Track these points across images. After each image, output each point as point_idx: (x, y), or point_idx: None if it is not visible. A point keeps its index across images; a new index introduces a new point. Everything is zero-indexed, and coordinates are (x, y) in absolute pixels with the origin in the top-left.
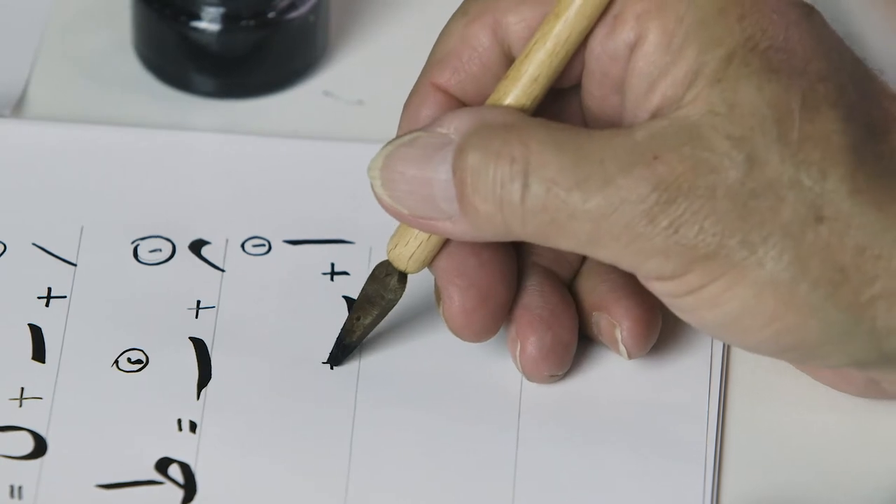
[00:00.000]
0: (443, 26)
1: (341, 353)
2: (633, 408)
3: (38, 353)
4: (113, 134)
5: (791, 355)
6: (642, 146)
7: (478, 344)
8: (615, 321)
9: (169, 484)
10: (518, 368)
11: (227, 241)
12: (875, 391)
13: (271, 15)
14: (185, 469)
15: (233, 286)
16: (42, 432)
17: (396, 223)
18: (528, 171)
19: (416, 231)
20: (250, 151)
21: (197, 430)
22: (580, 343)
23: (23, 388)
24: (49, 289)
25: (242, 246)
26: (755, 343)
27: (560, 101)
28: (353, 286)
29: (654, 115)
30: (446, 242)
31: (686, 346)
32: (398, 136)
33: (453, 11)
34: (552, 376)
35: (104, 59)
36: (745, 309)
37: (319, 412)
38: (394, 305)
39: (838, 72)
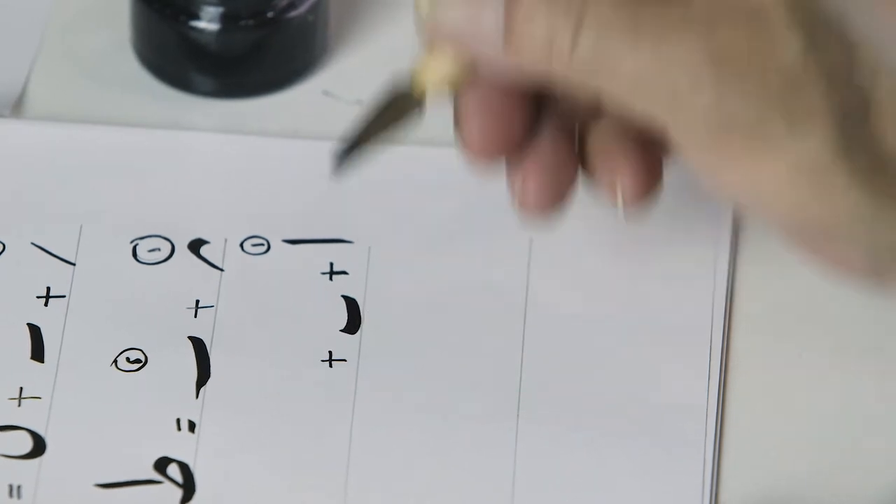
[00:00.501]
0: None
1: (342, 158)
2: (633, 407)
3: (37, 353)
4: (112, 134)
5: (812, 234)
6: (700, 13)
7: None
8: (616, 174)
9: (168, 483)
10: (515, 203)
11: (226, 240)
12: (875, 278)
13: (270, 15)
14: (184, 468)
15: (232, 285)
16: (41, 432)
17: (396, 226)
18: (582, 19)
19: (446, 58)
20: (249, 151)
21: (196, 429)
22: (580, 343)
23: (21, 388)
24: (48, 288)
25: (241, 245)
26: (781, 217)
27: None
28: (352, 286)
29: None
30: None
31: (686, 346)
32: None
33: None
34: (548, 212)
35: (103, 58)
36: (778, 186)
37: (318, 411)
38: (410, 123)
39: None
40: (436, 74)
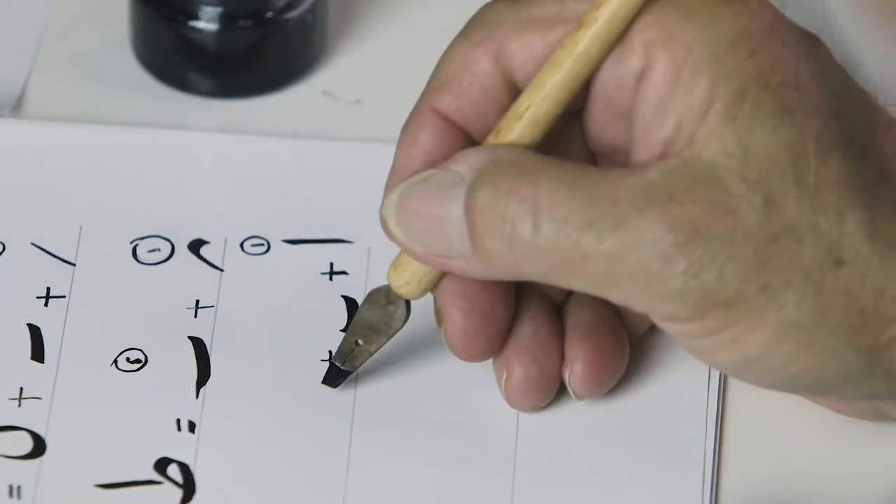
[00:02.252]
0: (441, 25)
1: (340, 376)
2: (633, 409)
3: (37, 353)
4: (112, 133)
5: (806, 393)
6: (656, 186)
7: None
8: (567, 361)
9: (168, 484)
10: (502, 395)
11: (225, 240)
12: (877, 416)
13: (269, 15)
14: (184, 469)
15: (232, 286)
16: (41, 432)
17: None
18: (537, 210)
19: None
20: (249, 151)
21: (196, 429)
22: None
23: (21, 388)
24: (48, 288)
25: (241, 245)
26: (771, 382)
27: (563, 126)
28: (352, 286)
29: (665, 149)
30: None
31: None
32: (411, 175)
33: (452, 11)
34: (535, 406)
35: (103, 58)
36: (763, 352)
37: (318, 411)
38: (397, 330)
39: (849, 109)
40: (410, 279)
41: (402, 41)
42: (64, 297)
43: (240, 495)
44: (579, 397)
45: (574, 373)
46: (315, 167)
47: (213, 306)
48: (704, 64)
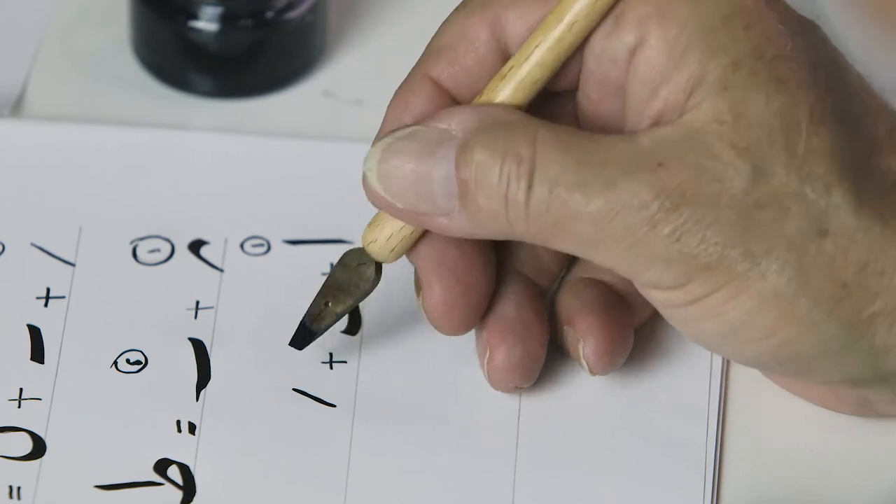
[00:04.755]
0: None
1: (307, 337)
2: (634, 408)
3: (37, 354)
4: (111, 134)
5: (786, 368)
6: (646, 152)
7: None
8: (580, 336)
9: (168, 485)
10: (484, 376)
11: (226, 241)
12: (867, 410)
13: (269, 15)
14: (185, 470)
15: (232, 286)
16: (41, 433)
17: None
18: (533, 170)
19: (396, 222)
20: (249, 151)
21: (196, 431)
22: None
23: (21, 389)
24: (48, 289)
25: (241, 246)
26: (752, 355)
27: (553, 105)
28: None
29: (657, 121)
30: (426, 232)
31: (686, 347)
32: (394, 130)
33: (451, 11)
34: (517, 388)
35: (102, 58)
36: (745, 320)
37: (318, 412)
38: (367, 295)
39: (842, 87)
40: (386, 241)
41: (402, 41)
42: (64, 297)
43: (240, 496)
44: (593, 372)
45: (587, 345)
46: (315, 167)
47: (213, 307)
48: (698, 38)
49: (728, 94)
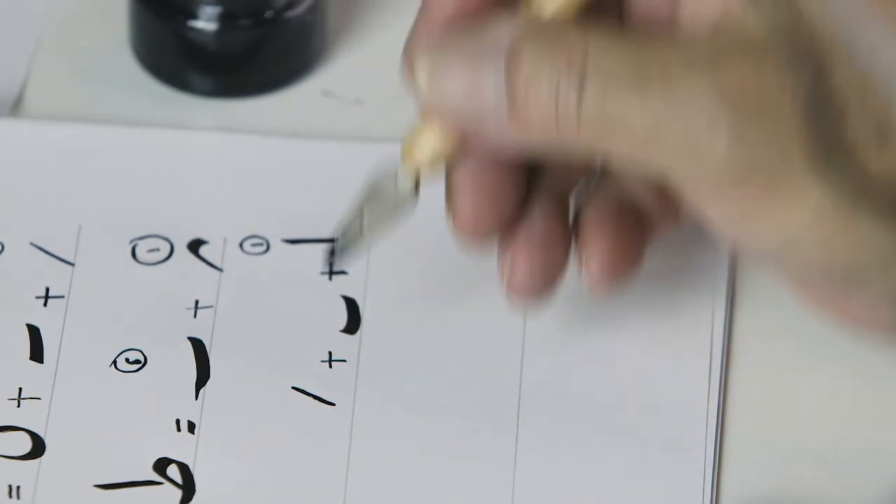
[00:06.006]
0: None
1: (342, 252)
2: (633, 407)
3: (36, 353)
4: (110, 133)
5: (836, 279)
6: (706, 54)
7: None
8: (584, 248)
9: (167, 484)
10: (504, 286)
11: (225, 240)
12: None
13: (269, 14)
14: (184, 469)
15: (231, 286)
16: (40, 432)
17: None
18: (585, 72)
19: (438, 137)
20: (248, 151)
21: (195, 430)
22: (580, 342)
23: (20, 388)
24: (47, 288)
25: (241, 245)
26: (806, 263)
27: (598, 21)
28: (352, 286)
29: (715, 28)
30: (465, 147)
31: (686, 345)
32: (443, 38)
33: None
34: (534, 302)
35: (102, 58)
36: (802, 227)
37: (318, 412)
38: (405, 211)
39: None
40: (427, 154)
41: (402, 41)
42: (63, 297)
43: (240, 496)
44: (591, 287)
45: (590, 264)
46: (315, 167)
47: (212, 306)
48: None
49: (788, 2)
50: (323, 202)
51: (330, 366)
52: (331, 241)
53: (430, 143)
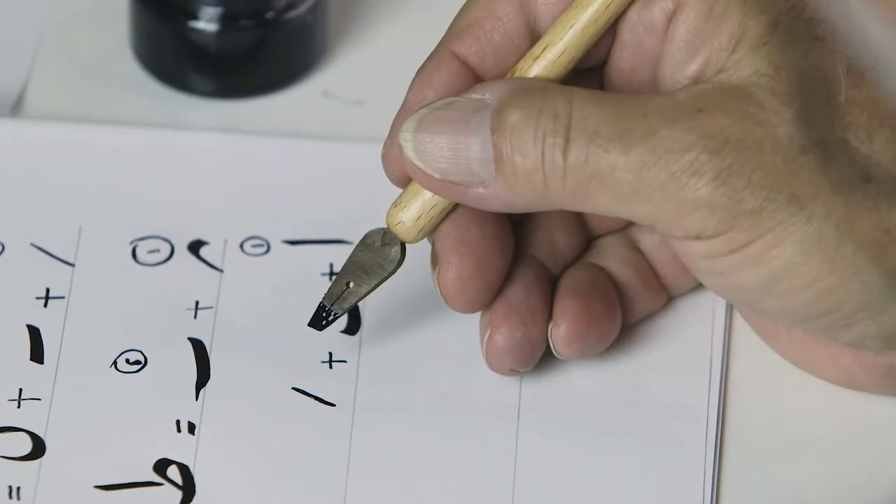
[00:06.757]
0: (442, 25)
1: (327, 319)
2: (633, 407)
3: (37, 354)
4: (111, 134)
5: (823, 322)
6: (686, 103)
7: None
8: (554, 316)
9: (167, 485)
10: (482, 355)
11: (225, 241)
12: (892, 381)
13: (269, 15)
14: (184, 470)
15: (231, 287)
16: (40, 433)
17: None
18: (570, 125)
19: (422, 201)
20: (249, 151)
21: (196, 431)
22: None
23: (21, 389)
24: (47, 289)
25: (241, 246)
26: (791, 306)
27: (579, 81)
28: None
29: (695, 81)
30: (451, 211)
31: (686, 345)
32: (429, 103)
33: (452, 12)
34: (514, 371)
35: (102, 59)
36: (788, 268)
37: (318, 412)
38: (391, 276)
39: None
40: (412, 219)
41: (402, 41)
42: (63, 297)
43: (240, 496)
44: (560, 355)
45: (558, 328)
46: (315, 167)
47: (212, 307)
48: (737, 0)
49: (767, 50)
50: (323, 203)
51: (330, 366)
52: (321, 305)
53: (416, 209)
